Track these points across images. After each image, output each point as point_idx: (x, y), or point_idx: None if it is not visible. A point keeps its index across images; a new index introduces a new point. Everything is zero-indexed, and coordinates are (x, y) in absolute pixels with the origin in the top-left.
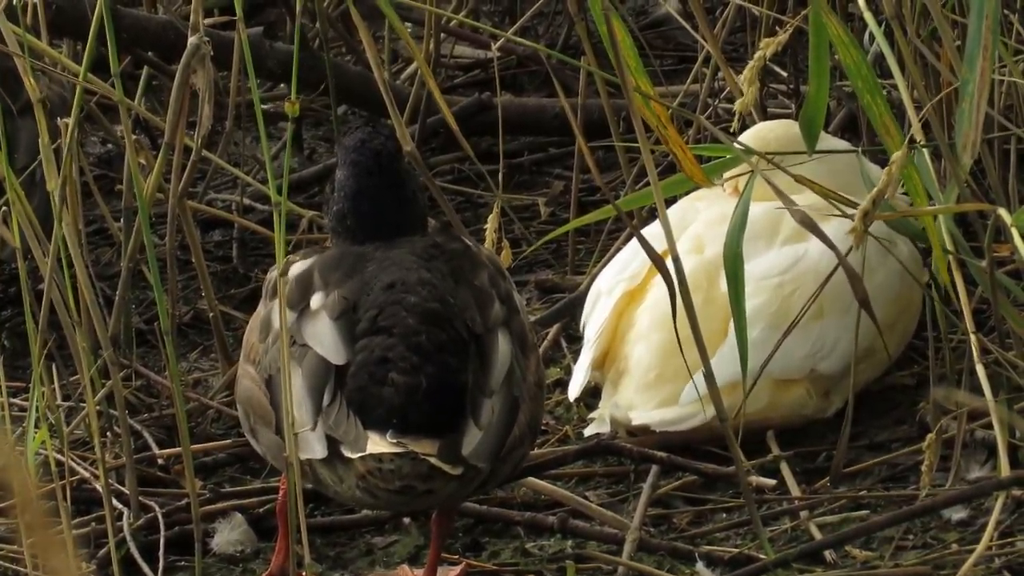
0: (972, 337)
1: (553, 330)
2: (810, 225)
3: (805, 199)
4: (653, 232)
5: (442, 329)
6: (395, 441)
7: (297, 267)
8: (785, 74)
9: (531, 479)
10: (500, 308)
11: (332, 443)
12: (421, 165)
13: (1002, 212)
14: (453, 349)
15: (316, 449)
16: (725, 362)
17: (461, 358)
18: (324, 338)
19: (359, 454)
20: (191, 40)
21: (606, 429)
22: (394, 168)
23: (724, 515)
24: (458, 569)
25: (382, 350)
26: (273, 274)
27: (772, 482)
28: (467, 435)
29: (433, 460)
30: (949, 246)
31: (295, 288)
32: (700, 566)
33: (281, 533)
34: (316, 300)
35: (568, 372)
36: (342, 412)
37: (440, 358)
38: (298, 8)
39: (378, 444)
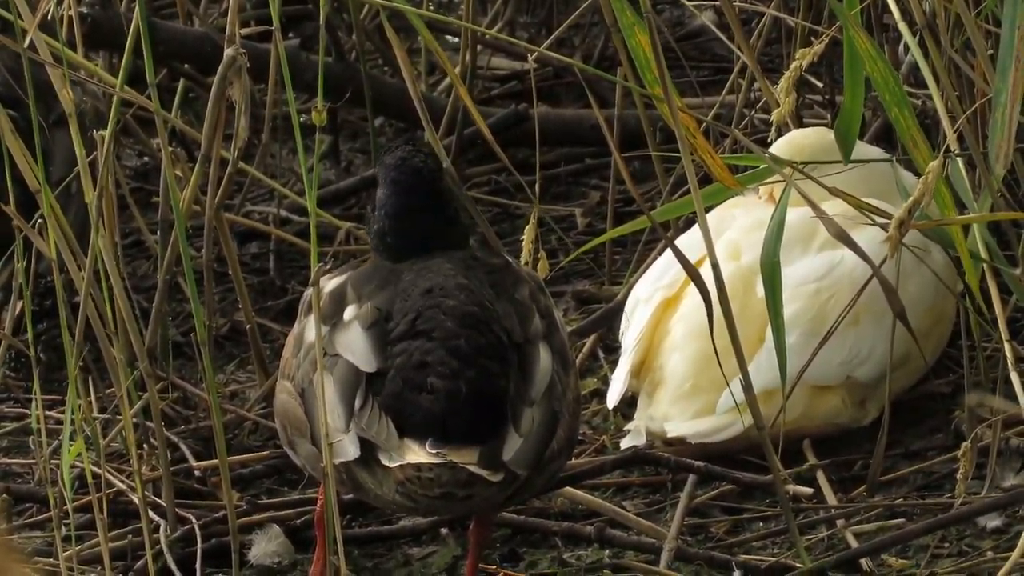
0: (1007, 345)
1: (590, 340)
2: (844, 238)
3: (839, 206)
4: (689, 240)
5: (481, 333)
6: (435, 452)
7: (332, 283)
8: (821, 84)
9: (568, 489)
10: (540, 322)
11: (367, 446)
12: (455, 180)
13: None
14: (493, 353)
15: (349, 451)
16: (762, 369)
17: (502, 363)
18: (355, 347)
19: (398, 463)
20: (227, 52)
21: (642, 441)
22: (434, 187)
23: (761, 524)
24: None
25: (421, 354)
26: (309, 291)
27: (809, 491)
28: (508, 442)
29: (473, 468)
30: (983, 255)
31: (328, 302)
32: (737, 575)
33: (319, 543)
34: (349, 312)
35: (605, 382)
36: (374, 414)
37: (480, 363)
38: (322, 16)
39: (417, 454)
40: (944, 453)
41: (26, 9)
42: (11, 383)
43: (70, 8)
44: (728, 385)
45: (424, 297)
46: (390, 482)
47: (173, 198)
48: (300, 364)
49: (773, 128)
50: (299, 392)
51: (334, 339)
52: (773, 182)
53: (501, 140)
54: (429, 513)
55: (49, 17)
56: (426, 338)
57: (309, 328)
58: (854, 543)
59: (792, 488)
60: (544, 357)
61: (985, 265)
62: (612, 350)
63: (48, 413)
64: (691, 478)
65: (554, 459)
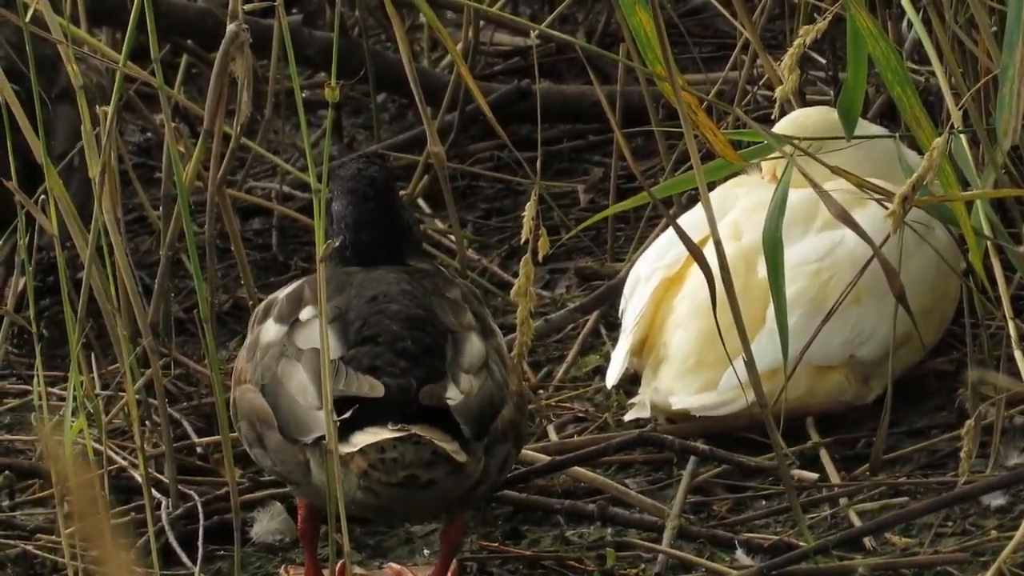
0: (1010, 323)
1: (592, 317)
2: (845, 218)
3: (842, 186)
4: (691, 219)
5: (426, 333)
6: (398, 427)
7: (287, 288)
8: (824, 61)
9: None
10: (472, 318)
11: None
12: (443, 164)
13: None
14: (438, 351)
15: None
16: (764, 348)
17: (444, 359)
18: (320, 339)
19: (361, 445)
20: (230, 27)
21: (646, 414)
22: (390, 196)
23: (764, 502)
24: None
25: (370, 359)
26: (262, 304)
27: (814, 476)
28: (449, 390)
29: (438, 441)
30: (987, 231)
31: (285, 304)
32: (740, 553)
33: (307, 557)
34: (307, 312)
35: (607, 359)
36: (351, 376)
37: (428, 361)
38: None
39: (379, 433)
40: (948, 431)
41: None
42: (13, 359)
43: None
44: (731, 362)
45: (369, 304)
46: (351, 476)
47: (176, 174)
48: (258, 363)
49: (776, 105)
50: (260, 389)
51: (294, 337)
52: (775, 158)
53: (503, 116)
54: (391, 513)
55: None
56: (374, 343)
57: (264, 332)
58: (857, 522)
59: (797, 473)
60: (476, 342)
61: (988, 242)
62: (614, 327)
63: (50, 390)
64: (694, 456)
65: (499, 441)
